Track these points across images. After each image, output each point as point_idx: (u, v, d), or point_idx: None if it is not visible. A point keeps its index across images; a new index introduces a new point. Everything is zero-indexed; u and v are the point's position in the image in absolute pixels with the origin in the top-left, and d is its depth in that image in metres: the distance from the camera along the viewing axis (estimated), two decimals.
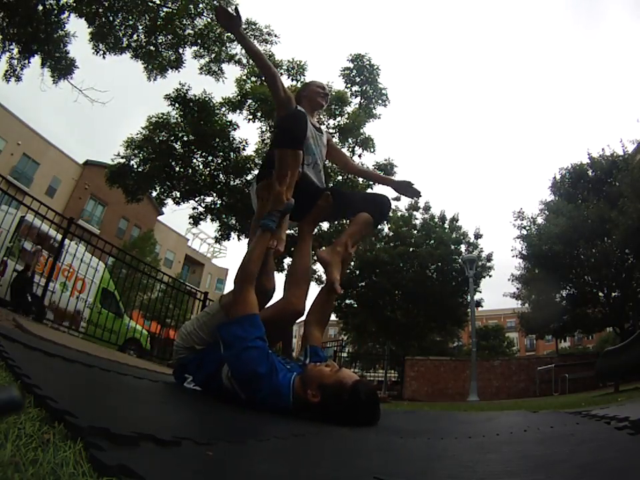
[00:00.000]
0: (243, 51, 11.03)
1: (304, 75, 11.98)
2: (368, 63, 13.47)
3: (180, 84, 11.72)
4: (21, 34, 8.20)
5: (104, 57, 9.10)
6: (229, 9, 1.98)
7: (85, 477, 0.47)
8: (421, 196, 2.52)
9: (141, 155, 11.87)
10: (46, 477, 0.45)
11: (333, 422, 1.45)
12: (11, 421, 0.56)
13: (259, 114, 11.90)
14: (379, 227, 17.82)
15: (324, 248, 2.11)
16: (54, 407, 0.65)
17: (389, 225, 18.08)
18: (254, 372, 1.48)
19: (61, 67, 8.96)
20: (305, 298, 1.98)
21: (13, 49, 8.46)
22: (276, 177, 1.89)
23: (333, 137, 12.90)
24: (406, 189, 2.46)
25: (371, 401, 1.55)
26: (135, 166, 11.94)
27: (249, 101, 11.78)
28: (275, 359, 1.59)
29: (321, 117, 12.73)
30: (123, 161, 11.88)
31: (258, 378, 1.48)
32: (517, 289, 16.91)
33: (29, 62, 8.67)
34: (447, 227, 19.07)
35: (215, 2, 9.41)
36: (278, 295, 2.07)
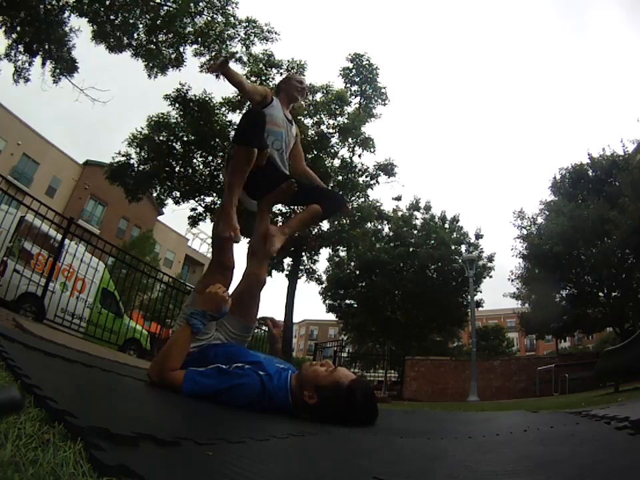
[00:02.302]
0: (244, 49, 11.05)
1: (303, 75, 12.00)
2: (367, 62, 13.49)
3: (180, 84, 11.73)
4: (22, 33, 8.20)
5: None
6: (221, 59, 2.14)
7: (85, 477, 0.47)
8: (350, 213, 2.79)
9: (141, 154, 11.89)
10: (46, 477, 0.44)
11: (331, 422, 1.45)
12: (11, 420, 0.56)
13: None
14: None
15: (276, 226, 2.27)
16: (54, 407, 0.65)
17: (389, 225, 18.09)
18: (249, 399, 1.48)
19: (62, 67, 8.97)
20: (265, 269, 2.15)
21: (18, 50, 8.48)
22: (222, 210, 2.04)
23: (333, 136, 12.91)
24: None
25: (368, 400, 1.54)
26: (136, 165, 11.96)
27: (249, 101, 11.80)
28: (265, 364, 1.58)
29: (322, 116, 12.75)
30: (123, 159, 11.90)
31: (253, 402, 1.48)
32: (517, 289, 16.91)
33: (33, 61, 8.69)
34: (448, 227, 19.06)
35: (215, 0, 9.42)
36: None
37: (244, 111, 11.92)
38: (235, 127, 2.33)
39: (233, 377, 1.49)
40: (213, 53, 10.14)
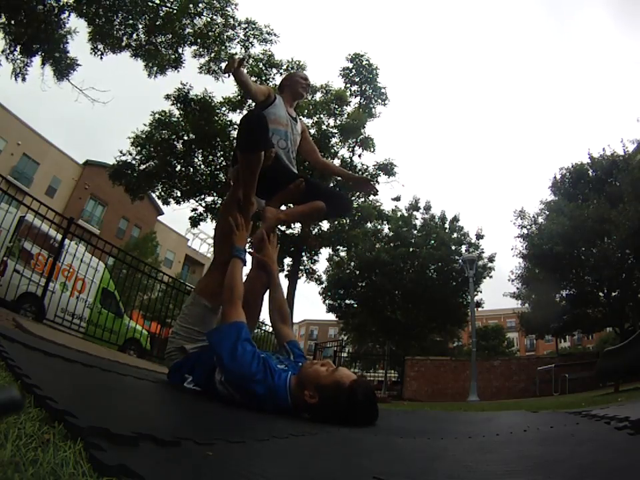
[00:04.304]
0: (243, 51, 11.06)
1: None
2: (367, 62, 13.48)
3: (181, 83, 11.76)
4: (22, 34, 8.20)
5: (101, 58, 9.11)
6: (238, 60, 2.07)
7: (85, 476, 0.47)
8: (376, 193, 2.78)
9: (143, 152, 11.93)
10: (46, 477, 0.44)
11: (331, 422, 1.45)
12: (11, 421, 0.56)
13: None
14: (381, 228, 17.79)
15: (271, 209, 2.23)
16: (54, 407, 0.65)
17: (389, 225, 18.10)
18: (248, 372, 1.48)
19: (62, 67, 8.97)
20: None
21: (15, 50, 8.48)
22: (234, 194, 2.07)
23: (334, 136, 12.91)
24: (362, 186, 2.69)
25: (369, 401, 1.54)
26: (137, 164, 12.01)
27: (249, 101, 11.80)
28: (268, 360, 1.59)
29: (322, 116, 12.75)
30: (125, 158, 11.95)
31: (252, 378, 1.47)
32: (517, 288, 16.91)
33: (31, 61, 8.69)
34: (448, 227, 19.06)
35: (214, 1, 9.42)
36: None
37: (244, 113, 11.96)
38: (237, 131, 2.25)
39: (254, 360, 1.51)
40: (212, 54, 10.14)
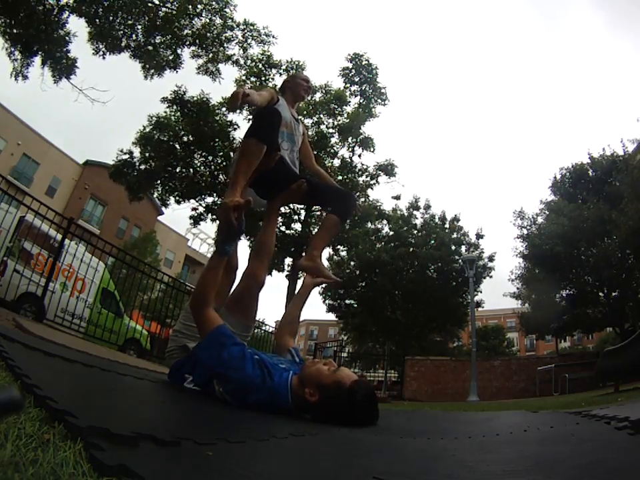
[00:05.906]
0: (241, 52, 11.05)
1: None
2: (366, 62, 13.46)
3: (177, 86, 11.75)
4: (22, 34, 8.20)
5: (104, 58, 9.10)
6: (240, 93, 1.82)
7: (85, 476, 0.47)
8: (359, 213, 2.81)
9: (144, 153, 11.96)
10: (46, 477, 0.45)
11: (331, 422, 1.45)
12: (11, 421, 0.56)
13: None
14: (377, 227, 17.80)
15: (303, 259, 2.33)
16: (54, 407, 0.65)
17: (389, 225, 18.08)
18: (244, 377, 1.47)
19: (61, 67, 8.96)
20: (265, 270, 2.18)
21: (15, 50, 8.48)
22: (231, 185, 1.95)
23: (332, 136, 12.91)
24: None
25: (368, 402, 1.54)
26: (137, 164, 12.04)
27: None
28: (266, 360, 1.59)
29: (321, 116, 12.75)
30: (126, 157, 11.98)
31: (250, 382, 1.47)
32: (517, 288, 16.90)
33: (32, 61, 8.69)
34: (448, 227, 19.03)
35: (213, 2, 9.42)
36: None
37: (244, 113, 11.97)
38: (252, 120, 2.27)
39: (247, 362, 1.51)
40: (210, 55, 10.12)
